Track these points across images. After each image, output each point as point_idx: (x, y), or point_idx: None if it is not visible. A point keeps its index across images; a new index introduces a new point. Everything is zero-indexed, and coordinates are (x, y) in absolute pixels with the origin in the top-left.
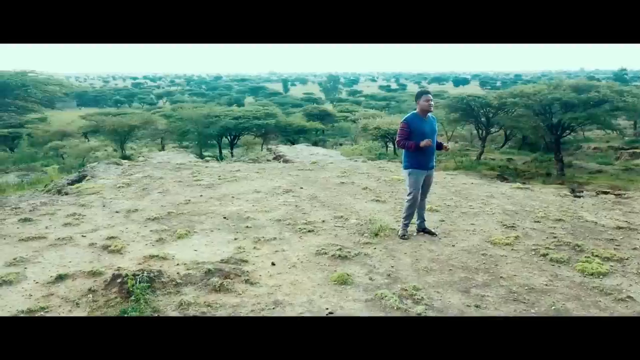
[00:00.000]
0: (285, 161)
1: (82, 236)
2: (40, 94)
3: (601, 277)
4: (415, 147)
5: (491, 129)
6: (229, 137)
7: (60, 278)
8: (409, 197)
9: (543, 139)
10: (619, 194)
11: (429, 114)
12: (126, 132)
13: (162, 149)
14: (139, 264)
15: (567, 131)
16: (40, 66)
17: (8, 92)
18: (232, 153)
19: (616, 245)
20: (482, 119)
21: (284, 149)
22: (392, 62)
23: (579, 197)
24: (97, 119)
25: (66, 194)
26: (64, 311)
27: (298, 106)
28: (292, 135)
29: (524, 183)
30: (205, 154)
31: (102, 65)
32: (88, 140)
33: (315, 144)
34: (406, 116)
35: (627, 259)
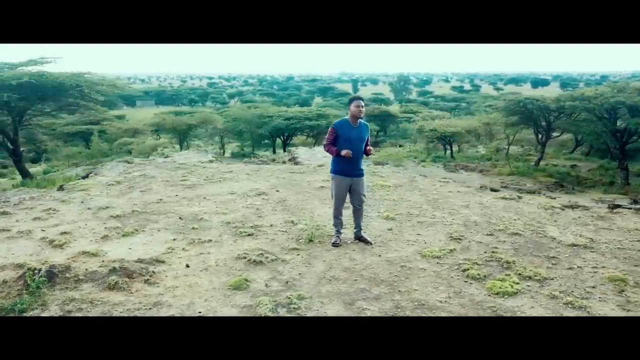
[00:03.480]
0: (296, 163)
1: (42, 230)
2: (93, 94)
3: (506, 297)
4: (336, 154)
5: (552, 134)
6: (282, 137)
7: None
8: (332, 202)
9: (606, 144)
10: (616, 206)
11: (360, 121)
12: (184, 130)
13: (223, 147)
14: (68, 259)
15: (635, 137)
16: (124, 67)
17: (63, 92)
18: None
19: (553, 263)
20: (543, 123)
21: (300, 151)
22: (468, 63)
23: (577, 207)
24: (160, 117)
25: (62, 189)
26: None
27: (371, 106)
28: None
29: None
30: (263, 153)
31: (182, 66)
32: (159, 137)
33: (375, 144)
34: (336, 121)
35: (552, 279)
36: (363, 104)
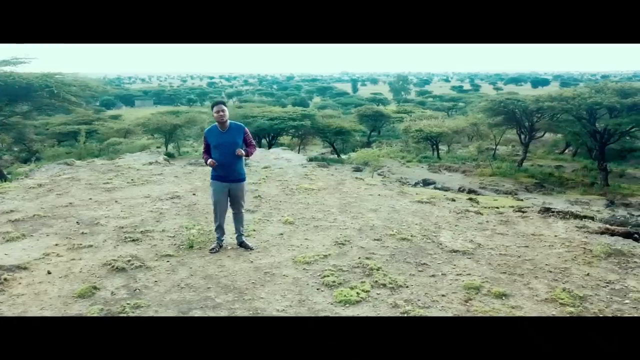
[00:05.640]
0: (245, 165)
1: None
2: (64, 94)
3: (347, 305)
4: (206, 162)
5: (535, 134)
6: (267, 138)
7: None
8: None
9: (586, 145)
10: (546, 209)
11: (232, 124)
12: (170, 130)
13: None
14: None
15: (615, 137)
16: (126, 67)
17: (32, 93)
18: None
19: (420, 270)
20: (526, 123)
21: (255, 153)
22: (470, 63)
23: (480, 213)
24: (145, 117)
25: None
26: None
27: (361, 106)
28: (331, 137)
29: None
30: None
31: (183, 66)
32: (154, 137)
33: (368, 144)
34: (206, 128)
35: (407, 287)
36: (224, 108)
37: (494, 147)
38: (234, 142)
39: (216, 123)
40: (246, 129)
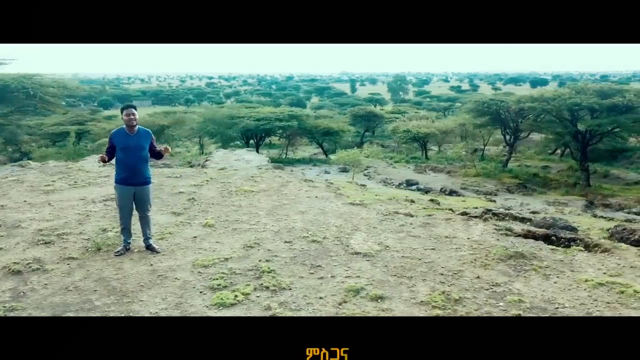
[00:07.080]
0: (203, 167)
1: None
2: (40, 95)
3: (221, 308)
4: (102, 161)
5: (519, 134)
6: (255, 138)
7: None
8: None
9: (568, 146)
10: (488, 211)
11: (139, 128)
12: (158, 131)
13: (201, 147)
14: None
15: (597, 138)
16: (125, 67)
17: (7, 94)
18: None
19: (311, 272)
20: (511, 124)
21: (218, 154)
22: (470, 63)
23: (411, 215)
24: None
25: None
26: None
27: (357, 106)
28: (319, 137)
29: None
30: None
31: (183, 66)
32: None
33: (361, 144)
34: (113, 130)
35: (290, 289)
36: (134, 112)
37: (482, 147)
38: (141, 146)
39: (124, 126)
40: (152, 135)
